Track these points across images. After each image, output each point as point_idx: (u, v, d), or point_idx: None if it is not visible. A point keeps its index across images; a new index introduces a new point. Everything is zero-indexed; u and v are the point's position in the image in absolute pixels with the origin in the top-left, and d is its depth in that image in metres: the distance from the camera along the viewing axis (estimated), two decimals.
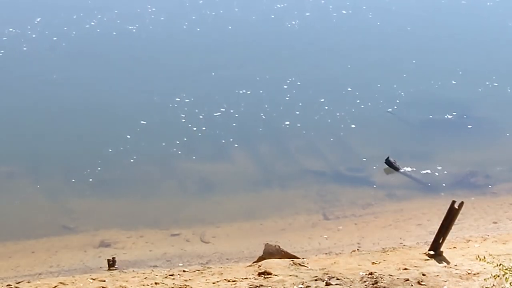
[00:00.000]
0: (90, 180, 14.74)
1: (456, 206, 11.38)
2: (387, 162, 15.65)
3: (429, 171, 15.65)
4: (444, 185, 15.29)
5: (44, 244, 12.94)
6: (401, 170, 15.64)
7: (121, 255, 12.49)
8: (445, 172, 15.67)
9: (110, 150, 15.70)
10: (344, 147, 16.53)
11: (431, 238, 11.90)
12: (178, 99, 17.90)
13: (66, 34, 21.67)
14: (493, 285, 9.69)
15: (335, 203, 14.55)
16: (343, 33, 22.70)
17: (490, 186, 15.28)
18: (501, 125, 17.71)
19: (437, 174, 15.62)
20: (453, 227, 11.65)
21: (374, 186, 15.20)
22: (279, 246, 11.69)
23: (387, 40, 22.23)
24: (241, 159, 15.88)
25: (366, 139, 16.85)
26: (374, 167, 15.71)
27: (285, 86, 18.87)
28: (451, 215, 11.44)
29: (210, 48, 21.22)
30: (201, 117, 17.25)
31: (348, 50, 21.38)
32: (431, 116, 17.90)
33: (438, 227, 11.61)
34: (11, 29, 21.66)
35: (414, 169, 15.71)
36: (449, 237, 11.74)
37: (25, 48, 20.63)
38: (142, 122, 16.83)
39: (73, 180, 14.74)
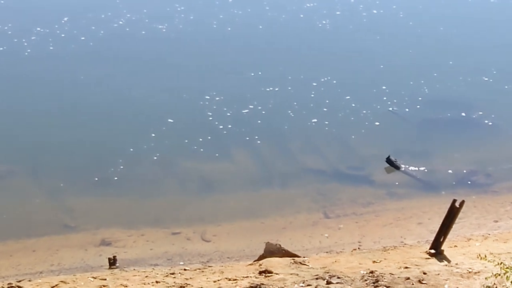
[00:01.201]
0: (91, 179, 14.75)
1: (457, 204, 11.38)
2: (388, 160, 15.65)
3: (430, 170, 15.65)
4: (445, 183, 15.29)
5: (45, 243, 12.94)
6: (402, 169, 15.64)
7: (122, 253, 12.50)
8: (446, 170, 15.67)
9: (132, 149, 15.74)
10: (345, 145, 16.53)
11: (432, 237, 11.90)
12: (208, 97, 18.00)
13: (94, 34, 21.67)
14: (494, 283, 9.69)
15: (335, 202, 14.55)
16: (376, 33, 22.69)
17: (491, 185, 15.28)
18: (502, 123, 17.72)
19: (438, 172, 15.62)
20: (454, 226, 11.66)
21: (375, 184, 15.20)
22: (280, 245, 11.69)
23: (420, 40, 22.23)
24: (242, 158, 15.88)
25: (367, 137, 16.85)
26: (375, 166, 15.71)
27: (314, 84, 18.99)
28: (452, 213, 11.44)
29: (242, 47, 21.32)
30: (228, 114, 17.33)
31: (381, 50, 21.43)
32: (432, 115, 17.91)
33: (439, 225, 11.62)
34: (38, 29, 21.65)
35: (415, 167, 15.71)
36: (450, 235, 11.75)
37: (51, 48, 20.62)
38: (169, 120, 16.86)
39: (74, 179, 14.74)
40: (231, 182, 15.07)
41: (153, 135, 16.32)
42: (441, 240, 11.53)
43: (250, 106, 17.70)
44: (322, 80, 19.20)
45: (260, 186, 15.01)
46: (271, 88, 18.66)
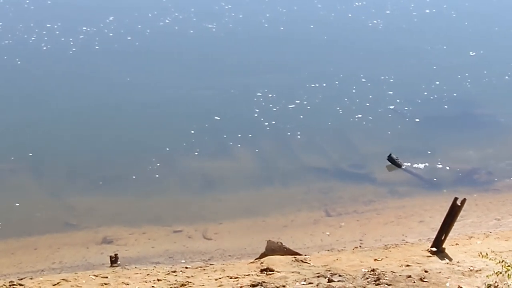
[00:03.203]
0: (93, 177, 14.75)
1: (458, 202, 11.38)
2: (390, 158, 15.65)
3: (431, 168, 15.65)
4: (446, 181, 15.29)
5: (46, 241, 12.94)
6: (403, 167, 15.64)
7: (124, 251, 12.50)
8: (448, 168, 15.67)
9: (168, 149, 15.75)
10: (346, 143, 16.53)
11: (433, 235, 11.90)
12: (260, 94, 18.10)
13: (140, 33, 21.62)
14: (496, 281, 9.69)
15: (337, 200, 14.55)
16: (429, 33, 22.64)
17: (492, 183, 15.28)
18: (504, 121, 17.71)
19: (439, 170, 15.61)
20: (455, 224, 11.66)
21: (376, 182, 15.20)
22: (281, 243, 11.69)
23: (476, 41, 22.12)
24: (244, 156, 15.88)
25: (368, 135, 16.85)
26: (376, 164, 15.71)
27: (363, 80, 19.14)
28: (454, 211, 11.44)
29: (293, 45, 21.34)
30: (274, 109, 17.47)
31: (434, 50, 21.38)
32: (433, 113, 17.91)
33: (441, 224, 11.62)
34: (84, 28, 21.62)
35: (417, 165, 15.71)
36: (451, 234, 11.75)
37: (97, 47, 20.59)
38: (216, 118, 16.90)
39: (76, 177, 14.75)
40: (232, 180, 15.07)
41: (192, 132, 16.36)
42: (443, 238, 11.52)
43: (297, 101, 17.81)
44: (382, 78, 19.28)
45: (261, 184, 15.01)
46: (317, 85, 18.75)
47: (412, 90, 18.93)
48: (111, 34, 21.50)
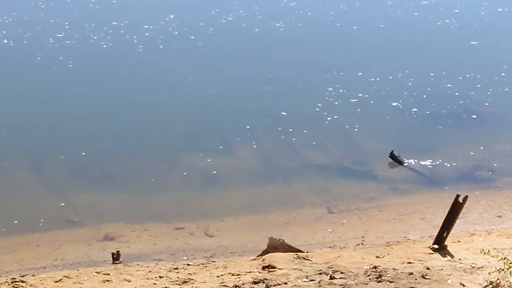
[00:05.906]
0: (95, 174, 14.76)
1: (460, 200, 11.37)
2: (391, 155, 15.64)
3: (433, 165, 15.64)
4: (448, 179, 15.27)
5: (48, 238, 12.94)
6: (406, 164, 15.62)
7: (126, 248, 12.50)
8: (450, 165, 15.66)
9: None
10: (348, 140, 16.52)
11: (435, 232, 11.89)
12: (331, 89, 18.16)
13: (203, 31, 21.47)
14: (498, 279, 9.69)
15: (339, 197, 14.54)
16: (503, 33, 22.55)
17: (494, 180, 15.25)
18: (506, 118, 17.69)
19: (441, 167, 15.60)
20: (457, 221, 11.65)
21: (378, 179, 15.19)
22: (283, 240, 11.69)
23: None
24: (245, 153, 15.87)
25: (370, 132, 16.83)
26: (378, 161, 15.70)
27: (431, 74, 19.19)
28: (455, 209, 11.43)
29: (363, 44, 21.37)
30: (336, 103, 17.63)
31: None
32: (436, 110, 17.89)
33: (442, 221, 11.61)
34: (146, 26, 21.56)
35: (419, 162, 15.70)
36: (453, 231, 11.74)
37: (161, 47, 20.54)
38: (283, 113, 16.93)
39: (78, 174, 14.75)
40: (234, 177, 15.07)
41: (248, 127, 16.42)
42: (444, 235, 11.52)
43: (359, 95, 17.92)
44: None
45: (263, 182, 15.01)
46: (378, 79, 18.93)
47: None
48: (176, 32, 21.39)
